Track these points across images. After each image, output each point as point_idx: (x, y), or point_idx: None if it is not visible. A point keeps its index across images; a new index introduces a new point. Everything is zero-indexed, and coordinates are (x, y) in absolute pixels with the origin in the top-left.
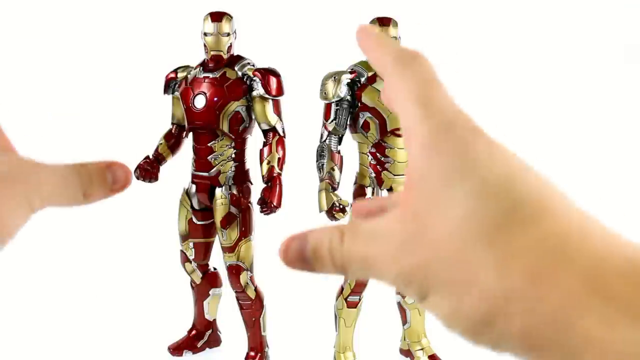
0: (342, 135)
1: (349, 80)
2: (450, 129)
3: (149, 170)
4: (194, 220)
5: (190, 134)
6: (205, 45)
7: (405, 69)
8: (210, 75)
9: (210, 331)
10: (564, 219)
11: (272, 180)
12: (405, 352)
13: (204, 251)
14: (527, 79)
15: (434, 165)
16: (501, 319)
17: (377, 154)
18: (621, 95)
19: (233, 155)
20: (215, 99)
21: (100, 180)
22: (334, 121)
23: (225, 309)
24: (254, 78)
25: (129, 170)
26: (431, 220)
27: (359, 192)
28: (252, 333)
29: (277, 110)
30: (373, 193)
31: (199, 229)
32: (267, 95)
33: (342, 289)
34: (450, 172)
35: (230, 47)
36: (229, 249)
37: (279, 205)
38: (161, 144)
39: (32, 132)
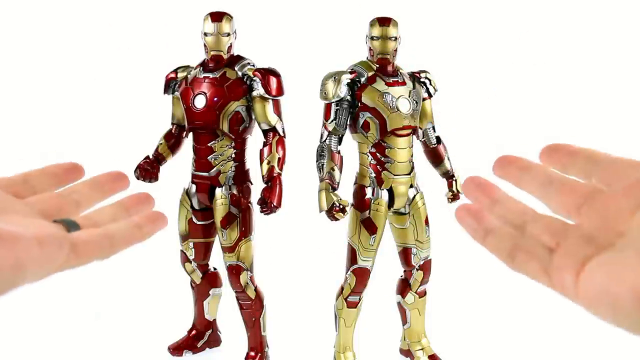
0: (342, 135)
1: (349, 80)
2: None
3: (149, 170)
4: (194, 220)
5: (190, 134)
6: (205, 45)
7: None
8: (211, 75)
9: (210, 331)
10: None
11: (272, 180)
12: (405, 352)
13: (204, 251)
14: (526, 78)
15: None
16: None
17: (377, 154)
18: (622, 96)
19: (233, 155)
20: (216, 99)
21: None
22: (334, 121)
23: (225, 309)
24: (254, 78)
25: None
26: None
27: (359, 192)
28: (252, 333)
29: (277, 110)
30: (373, 193)
31: (199, 229)
32: (267, 95)
33: (342, 289)
34: None
35: (230, 47)
36: (229, 249)
37: (279, 205)
38: (161, 144)
39: (32, 131)
